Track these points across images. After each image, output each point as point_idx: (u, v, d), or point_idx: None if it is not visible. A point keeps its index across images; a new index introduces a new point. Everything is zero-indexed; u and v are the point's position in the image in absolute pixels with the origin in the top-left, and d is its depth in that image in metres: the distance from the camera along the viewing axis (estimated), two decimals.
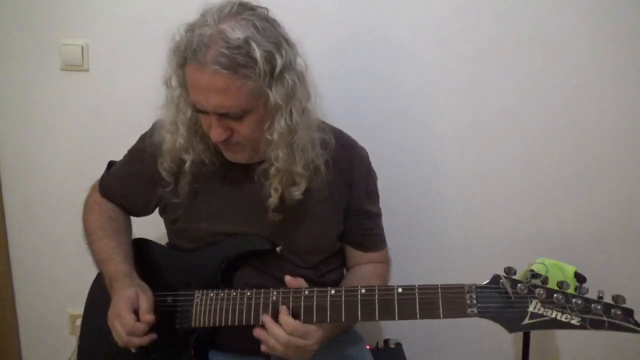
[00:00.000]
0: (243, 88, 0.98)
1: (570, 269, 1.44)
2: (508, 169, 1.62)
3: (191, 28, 1.00)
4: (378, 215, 1.29)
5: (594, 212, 1.64)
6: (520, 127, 1.59)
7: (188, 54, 0.98)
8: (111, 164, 1.33)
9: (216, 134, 1.03)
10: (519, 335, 1.62)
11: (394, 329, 1.71)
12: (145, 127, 1.27)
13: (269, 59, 0.99)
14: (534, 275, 1.45)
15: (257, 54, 0.96)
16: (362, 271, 1.26)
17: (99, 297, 1.19)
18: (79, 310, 1.71)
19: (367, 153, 1.27)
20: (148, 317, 1.06)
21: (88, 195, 1.34)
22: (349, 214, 1.23)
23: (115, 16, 1.54)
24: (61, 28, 1.54)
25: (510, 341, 1.74)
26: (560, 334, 1.75)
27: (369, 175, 1.26)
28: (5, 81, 1.59)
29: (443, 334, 1.74)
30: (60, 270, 1.71)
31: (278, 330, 1.00)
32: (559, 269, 1.44)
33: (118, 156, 1.34)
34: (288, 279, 1.04)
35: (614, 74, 1.55)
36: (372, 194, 1.27)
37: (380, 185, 1.32)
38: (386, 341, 1.54)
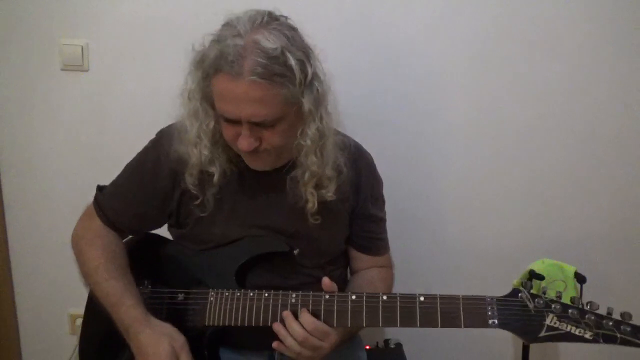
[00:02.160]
0: (278, 97, 0.99)
1: (570, 269, 1.44)
2: (509, 169, 1.62)
3: (221, 39, 0.99)
4: (382, 219, 1.30)
5: (594, 212, 1.64)
6: (521, 128, 1.59)
7: (222, 65, 0.97)
8: (101, 187, 1.25)
9: (247, 143, 1.02)
10: None
11: (394, 329, 1.71)
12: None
13: (302, 67, 1.00)
14: (534, 275, 1.46)
15: (293, 62, 0.98)
16: (366, 276, 1.27)
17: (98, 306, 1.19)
18: (79, 310, 1.71)
19: (372, 158, 1.28)
20: None
21: (82, 226, 1.23)
22: (355, 217, 1.24)
23: (115, 16, 1.54)
24: (61, 28, 1.54)
25: (510, 342, 1.74)
26: None
27: (375, 180, 1.28)
28: (5, 81, 1.59)
29: (443, 335, 1.73)
30: (60, 271, 1.71)
31: (297, 328, 1.01)
32: (559, 269, 1.45)
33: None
34: (326, 281, 1.05)
35: (616, 74, 1.55)
36: (378, 199, 1.29)
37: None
38: (386, 341, 1.54)
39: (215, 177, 1.11)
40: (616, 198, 1.63)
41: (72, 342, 1.76)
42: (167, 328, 1.09)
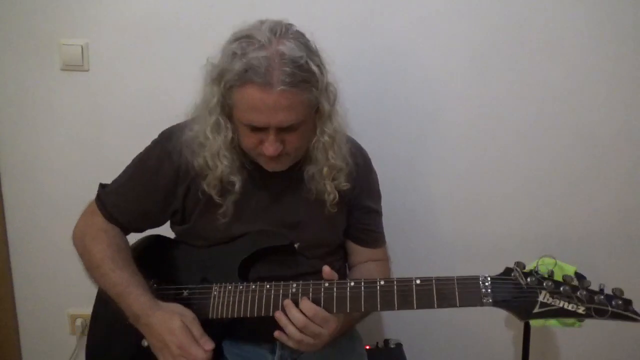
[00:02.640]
0: (305, 101, 1.05)
1: (570, 269, 1.44)
2: (508, 169, 1.63)
3: (244, 52, 1.01)
4: (378, 213, 1.34)
5: (594, 212, 1.65)
6: (521, 128, 1.59)
7: (250, 76, 1.00)
8: (103, 185, 1.26)
9: (274, 148, 1.07)
10: (519, 335, 1.62)
11: (394, 329, 1.72)
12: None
13: (322, 71, 1.07)
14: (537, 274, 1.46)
15: (315, 68, 1.04)
16: (363, 269, 1.30)
17: (108, 303, 1.19)
18: (79, 310, 1.72)
19: (368, 155, 1.32)
20: (209, 345, 1.07)
21: (84, 222, 1.24)
22: (352, 209, 1.28)
23: (115, 16, 1.54)
24: (61, 28, 1.55)
25: (510, 342, 1.74)
26: (561, 335, 1.75)
27: (371, 175, 1.32)
28: (5, 81, 1.59)
29: (443, 334, 1.74)
30: (60, 271, 1.71)
31: (298, 314, 1.03)
32: (559, 269, 1.44)
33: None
34: (326, 269, 1.07)
35: (616, 74, 1.55)
36: (374, 193, 1.33)
37: (379, 183, 1.33)
38: (386, 341, 1.54)
39: (237, 185, 1.14)
40: (616, 198, 1.63)
41: (72, 342, 1.76)
42: (176, 307, 1.12)
